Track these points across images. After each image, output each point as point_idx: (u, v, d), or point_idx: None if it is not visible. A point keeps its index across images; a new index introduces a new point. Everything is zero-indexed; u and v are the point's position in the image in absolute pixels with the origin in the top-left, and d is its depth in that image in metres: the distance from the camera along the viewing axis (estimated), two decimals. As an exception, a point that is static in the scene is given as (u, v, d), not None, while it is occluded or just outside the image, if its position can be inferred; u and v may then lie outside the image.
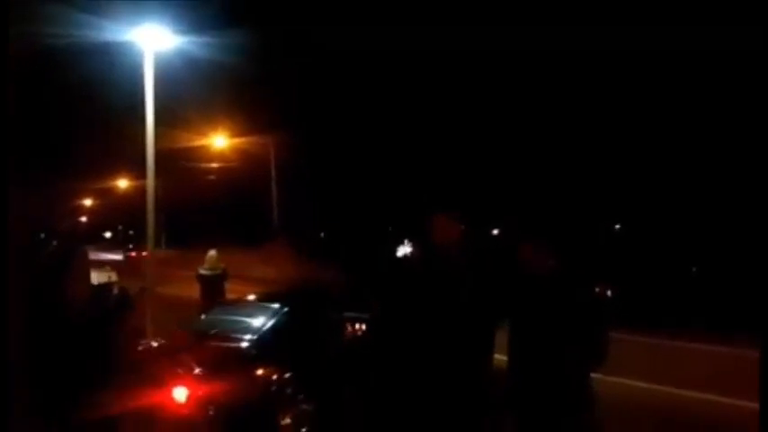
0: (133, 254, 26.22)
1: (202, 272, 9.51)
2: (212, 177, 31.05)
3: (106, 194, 40.28)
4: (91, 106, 27.61)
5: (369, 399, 3.36)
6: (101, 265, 12.40)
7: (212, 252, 9.69)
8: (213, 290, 9.32)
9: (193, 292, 9.89)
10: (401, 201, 20.91)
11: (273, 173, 25.91)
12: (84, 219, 48.67)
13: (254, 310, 6.56)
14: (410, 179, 24.06)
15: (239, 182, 28.66)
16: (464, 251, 3.10)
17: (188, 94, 24.08)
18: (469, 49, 21.39)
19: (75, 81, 22.21)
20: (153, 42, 10.95)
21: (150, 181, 10.32)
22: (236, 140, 25.79)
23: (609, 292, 14.61)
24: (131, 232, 39.64)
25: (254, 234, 24.66)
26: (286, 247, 22.10)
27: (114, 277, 10.26)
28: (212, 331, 6.28)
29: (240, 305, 7.08)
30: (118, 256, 17.26)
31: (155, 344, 7.06)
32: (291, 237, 22.96)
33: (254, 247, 22.84)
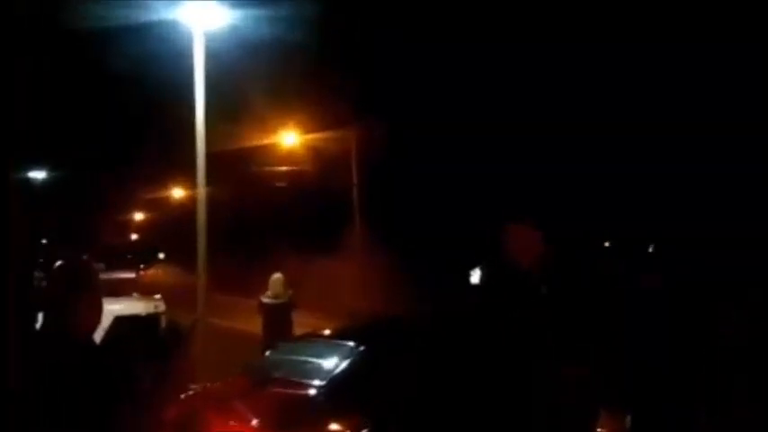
0: (143, 272, 28.02)
1: (265, 300, 9.74)
2: (282, 184, 32.03)
3: (161, 206, 42.71)
4: (137, 102, 29.47)
5: None
6: (114, 284, 12.88)
7: (277, 275, 9.87)
8: (278, 322, 9.51)
9: (255, 324, 10.16)
10: (477, 210, 20.94)
11: (355, 174, 26.28)
12: (134, 236, 51.96)
13: (325, 348, 6.67)
14: (486, 184, 23.97)
15: (314, 188, 29.35)
16: (547, 272, 2.94)
17: (248, 83, 25.06)
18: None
19: (115, 73, 23.79)
20: (203, 21, 11.44)
21: (201, 189, 10.76)
22: (310, 137, 26.41)
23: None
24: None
25: (333, 251, 25.10)
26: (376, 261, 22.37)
27: (162, 307, 10.78)
28: (275, 374, 6.44)
29: (309, 343, 7.22)
30: (131, 275, 18.19)
31: (208, 386, 7.34)
32: (378, 251, 23.22)
33: (332, 266, 23.31)
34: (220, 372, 9.52)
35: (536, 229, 3.17)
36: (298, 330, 9.71)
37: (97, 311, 2.82)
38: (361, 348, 6.39)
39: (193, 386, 9.17)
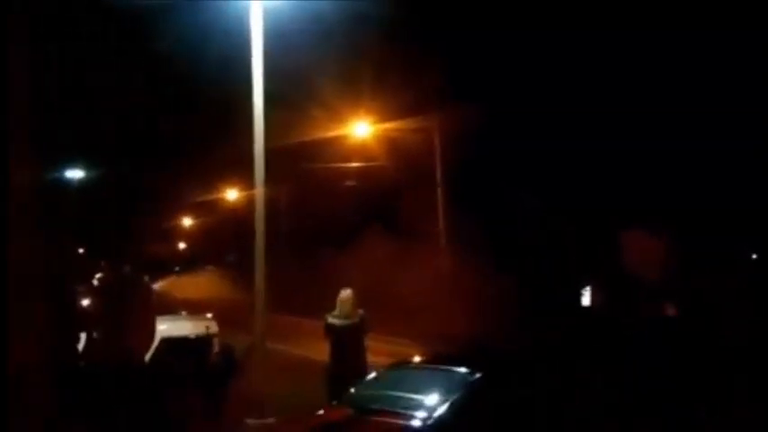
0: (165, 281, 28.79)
1: (332, 321, 9.90)
2: (351, 183, 32.42)
3: (212, 210, 43.86)
4: (185, 93, 30.34)
5: None
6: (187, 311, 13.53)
7: (347, 292, 10.00)
8: (348, 347, 9.66)
9: (318, 350, 10.37)
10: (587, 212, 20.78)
11: (439, 173, 26.32)
12: (182, 245, 53.53)
13: (432, 376, 7.02)
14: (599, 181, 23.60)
15: (390, 187, 29.55)
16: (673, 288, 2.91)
17: (313, 66, 25.49)
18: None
19: (161, 59, 24.57)
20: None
21: (260, 189, 11.07)
22: (384, 127, 26.59)
23: None
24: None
25: (412, 264, 25.17)
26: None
27: (214, 328, 11.08)
28: (378, 405, 6.83)
29: (413, 370, 7.65)
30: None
31: (270, 420, 7.59)
32: (467, 264, 23.18)
33: (411, 282, 23.39)
34: (279, 404, 9.79)
35: (657, 236, 3.16)
36: (371, 357, 9.88)
37: (149, 332, 2.93)
38: (476, 376, 6.66)
39: (250, 420, 9.49)
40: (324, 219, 33.23)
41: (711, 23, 22.09)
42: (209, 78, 27.35)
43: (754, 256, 23.57)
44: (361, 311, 9.97)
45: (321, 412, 7.17)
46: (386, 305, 19.81)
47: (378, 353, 10.24)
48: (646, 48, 23.22)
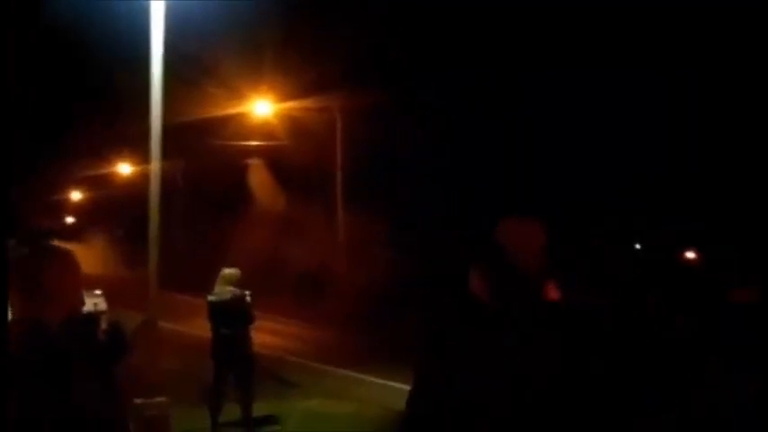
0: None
1: (210, 299, 9.66)
2: (252, 162, 32.15)
3: (105, 185, 42.70)
4: (78, 61, 29.36)
5: None
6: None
7: (226, 271, 9.78)
8: (225, 326, 9.49)
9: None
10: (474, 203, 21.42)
11: (340, 156, 26.40)
12: (70, 219, 51.92)
13: None
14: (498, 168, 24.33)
15: (291, 167, 29.43)
16: (549, 273, 2.91)
17: (215, 40, 25.10)
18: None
19: (51, 22, 23.73)
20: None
21: (156, 163, 10.85)
22: (285, 106, 26.49)
23: None
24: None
25: (311, 246, 25.21)
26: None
27: (103, 305, 10.80)
28: None
29: None
30: None
31: (160, 400, 7.38)
32: (366, 248, 23.34)
33: (310, 263, 23.45)
34: (169, 384, 9.67)
35: (536, 220, 2.98)
36: (260, 336, 9.82)
37: (67, 307, 2.77)
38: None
39: (138, 400, 9.34)
40: (221, 196, 32.89)
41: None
42: (106, 52, 26.60)
43: (638, 246, 24.62)
44: (235, 290, 9.62)
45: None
46: (282, 285, 19.76)
47: (280, 334, 10.23)
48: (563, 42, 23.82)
